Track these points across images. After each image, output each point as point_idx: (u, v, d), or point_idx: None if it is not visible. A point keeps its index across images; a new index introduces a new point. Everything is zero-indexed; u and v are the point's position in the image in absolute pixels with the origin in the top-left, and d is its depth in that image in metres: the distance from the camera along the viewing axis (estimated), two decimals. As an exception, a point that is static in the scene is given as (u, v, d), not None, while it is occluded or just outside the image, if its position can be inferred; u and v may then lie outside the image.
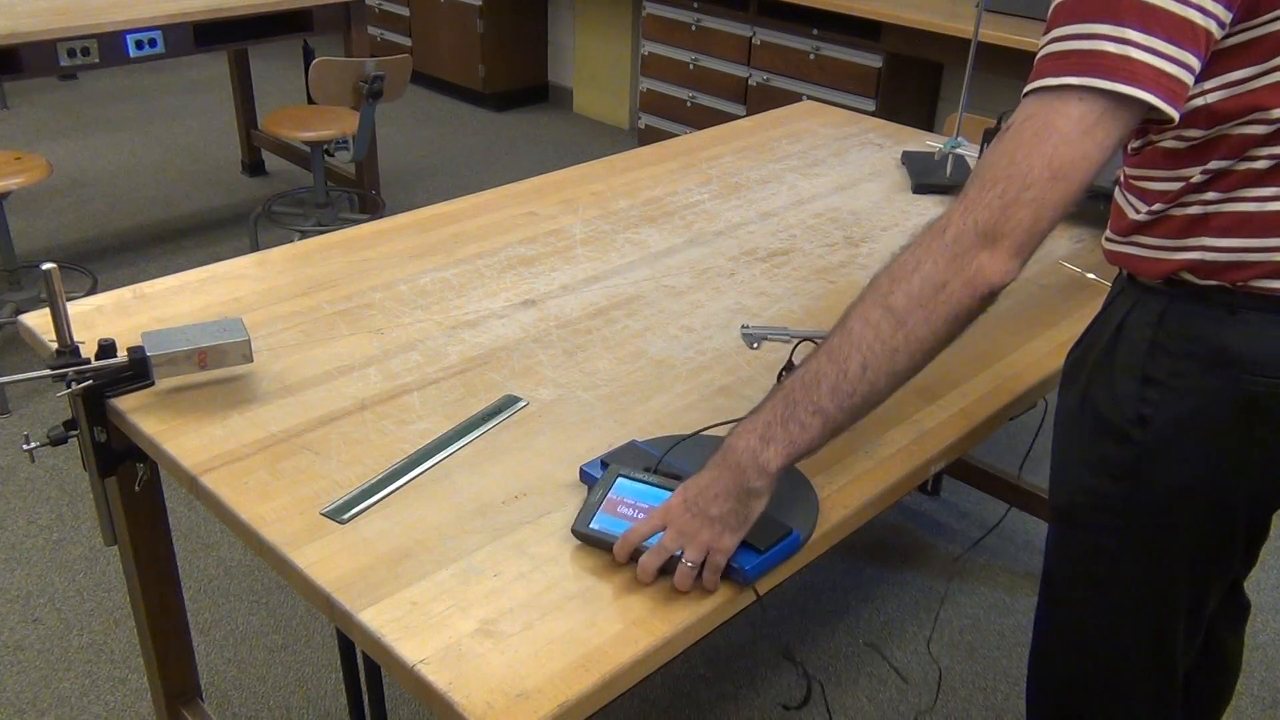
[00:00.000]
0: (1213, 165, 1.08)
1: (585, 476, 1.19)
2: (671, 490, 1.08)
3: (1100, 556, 1.27)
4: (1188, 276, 1.13)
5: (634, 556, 1.06)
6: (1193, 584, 1.27)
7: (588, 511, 1.10)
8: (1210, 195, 1.09)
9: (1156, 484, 1.20)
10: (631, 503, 1.10)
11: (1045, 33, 1.03)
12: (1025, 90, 1.03)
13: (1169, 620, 1.28)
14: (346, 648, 1.58)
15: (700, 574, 1.04)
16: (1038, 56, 1.03)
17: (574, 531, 1.09)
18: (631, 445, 1.22)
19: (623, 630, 0.99)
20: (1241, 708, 2.09)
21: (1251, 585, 1.58)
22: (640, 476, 1.13)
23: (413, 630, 0.98)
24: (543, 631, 0.99)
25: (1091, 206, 1.92)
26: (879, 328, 1.01)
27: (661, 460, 1.16)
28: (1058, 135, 0.98)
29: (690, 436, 1.22)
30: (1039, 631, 1.43)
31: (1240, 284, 1.10)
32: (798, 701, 2.08)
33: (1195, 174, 1.09)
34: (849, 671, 2.15)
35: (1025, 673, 1.50)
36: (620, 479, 1.13)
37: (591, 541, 1.09)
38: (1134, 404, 1.18)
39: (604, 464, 1.17)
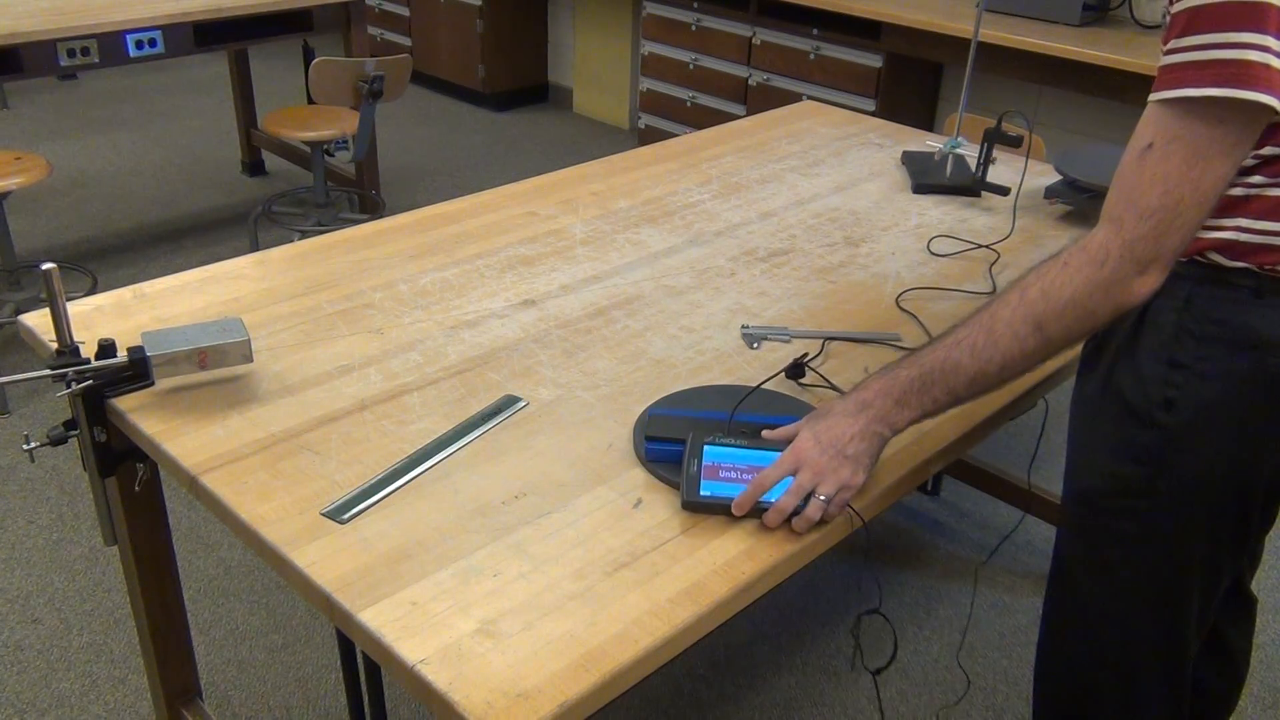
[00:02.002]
0: (1265, 151, 1.09)
1: (653, 454, 1.22)
2: (762, 449, 1.17)
3: (1118, 541, 1.28)
4: (1216, 257, 1.15)
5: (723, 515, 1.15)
6: (1206, 569, 1.28)
7: (691, 483, 1.14)
8: (1256, 179, 1.11)
9: (1181, 467, 1.21)
10: (730, 465, 1.16)
11: (1178, 35, 1.03)
12: (1164, 96, 1.04)
13: (1182, 606, 1.29)
14: (346, 648, 1.58)
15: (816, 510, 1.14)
16: (1173, 60, 1.04)
17: (686, 503, 1.13)
18: (657, 414, 1.27)
19: (623, 630, 0.99)
20: (1242, 708, 2.09)
21: (1253, 585, 1.58)
22: (726, 441, 1.19)
23: (413, 630, 0.98)
24: (543, 631, 0.99)
25: (1092, 207, 1.92)
26: (1025, 341, 1.12)
27: (732, 420, 1.25)
28: (1204, 161, 1.03)
29: (752, 391, 1.31)
30: (1048, 622, 1.43)
31: (1268, 267, 1.12)
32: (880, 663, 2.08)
33: (1246, 158, 1.10)
34: (849, 670, 2.15)
35: (1026, 673, 1.50)
36: (707, 446, 1.18)
37: (707, 508, 1.13)
38: (1160, 388, 1.19)
39: (648, 439, 1.22)
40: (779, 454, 1.17)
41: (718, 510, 1.13)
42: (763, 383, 1.32)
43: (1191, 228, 1.07)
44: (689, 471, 1.15)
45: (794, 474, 1.14)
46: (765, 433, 1.22)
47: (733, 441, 1.19)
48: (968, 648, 2.22)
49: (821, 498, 1.13)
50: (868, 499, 1.20)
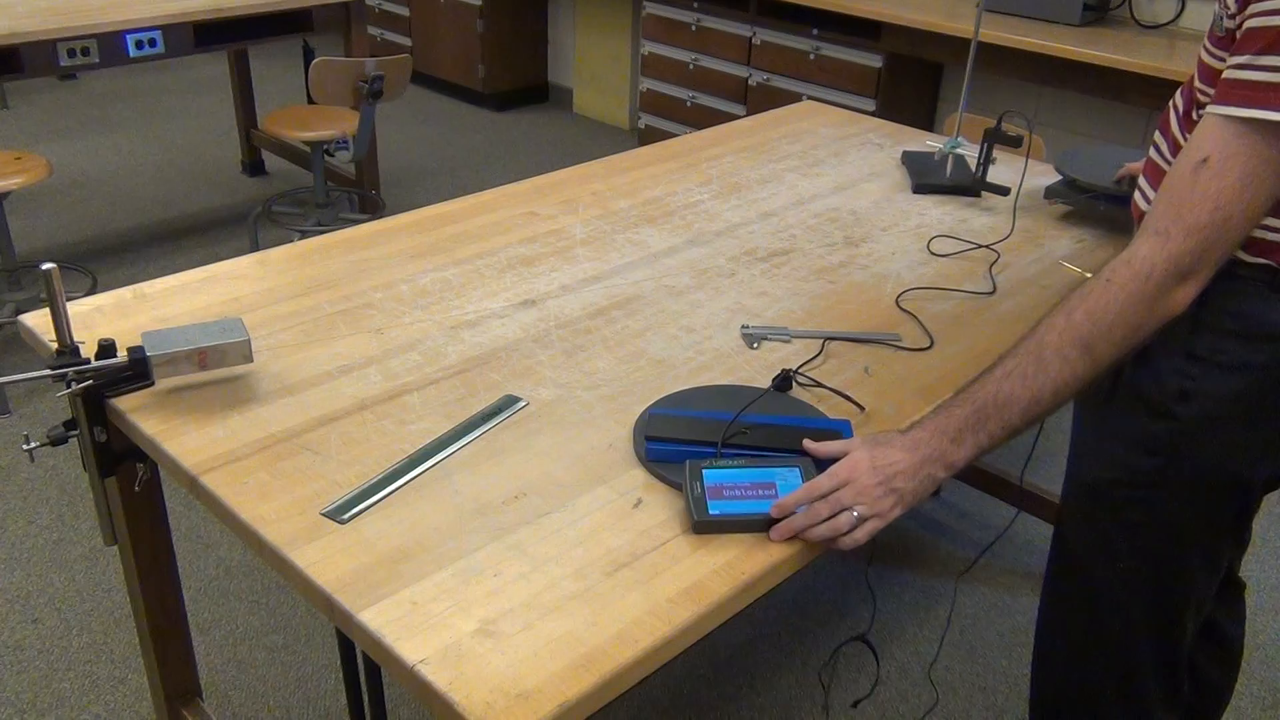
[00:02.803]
0: None
1: (653, 454, 1.22)
2: (759, 468, 1.18)
3: (1124, 530, 1.29)
4: (1237, 252, 1.15)
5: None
6: (1207, 557, 1.29)
7: (699, 504, 1.13)
8: None
9: (1194, 459, 1.22)
10: (732, 485, 1.16)
11: (1258, 51, 1.02)
12: (1233, 113, 1.04)
13: (1183, 593, 1.31)
14: (346, 648, 1.58)
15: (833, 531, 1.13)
16: (1249, 76, 1.03)
17: (697, 524, 1.12)
18: (657, 414, 1.27)
19: (623, 630, 0.99)
20: (1242, 708, 2.09)
21: (1252, 586, 1.58)
22: (721, 464, 1.19)
23: (413, 630, 0.98)
24: (543, 631, 0.99)
25: (1092, 207, 1.92)
26: (1075, 365, 1.12)
27: (724, 436, 1.24)
28: (1259, 181, 1.03)
29: (753, 401, 1.31)
30: (1047, 611, 1.44)
31: None
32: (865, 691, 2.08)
33: None
34: (849, 671, 2.15)
35: (1025, 673, 1.51)
36: (705, 470, 1.17)
37: (718, 527, 1.13)
38: (1176, 380, 1.20)
39: (649, 439, 1.22)
40: (780, 470, 1.17)
41: (729, 528, 1.13)
42: (754, 400, 1.30)
43: (1237, 242, 1.07)
44: (693, 495, 1.14)
45: (840, 488, 1.13)
46: (808, 443, 1.20)
47: (729, 464, 1.19)
48: (966, 646, 2.22)
49: (856, 514, 1.11)
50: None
